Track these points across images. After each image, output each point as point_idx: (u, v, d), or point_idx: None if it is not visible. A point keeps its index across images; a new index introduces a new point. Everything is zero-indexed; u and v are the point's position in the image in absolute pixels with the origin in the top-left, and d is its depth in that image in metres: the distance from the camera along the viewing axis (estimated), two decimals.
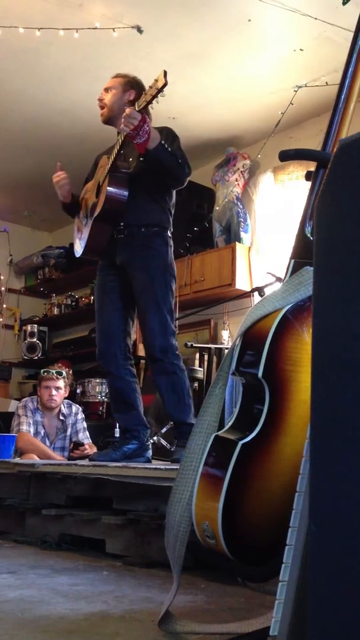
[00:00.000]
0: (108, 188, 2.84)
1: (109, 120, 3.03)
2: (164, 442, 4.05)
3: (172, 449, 4.03)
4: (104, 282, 3.03)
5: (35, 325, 6.87)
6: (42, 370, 4.13)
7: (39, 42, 4.05)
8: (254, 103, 4.77)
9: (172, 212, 3.02)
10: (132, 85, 3.00)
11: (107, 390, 5.56)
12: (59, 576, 1.93)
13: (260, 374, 1.22)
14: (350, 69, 1.47)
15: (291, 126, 5.00)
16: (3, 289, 7.11)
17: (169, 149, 2.74)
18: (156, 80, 2.58)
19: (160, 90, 2.56)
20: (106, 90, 3.04)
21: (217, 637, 1.30)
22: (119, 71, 3.12)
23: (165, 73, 2.53)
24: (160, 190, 2.92)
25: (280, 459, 1.22)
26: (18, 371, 7.00)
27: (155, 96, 2.60)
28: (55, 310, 6.90)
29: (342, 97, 1.47)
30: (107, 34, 3.95)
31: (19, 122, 5.13)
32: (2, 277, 7.12)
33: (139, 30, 3.95)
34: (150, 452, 3.04)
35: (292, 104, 4.64)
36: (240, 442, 1.21)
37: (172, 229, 3.01)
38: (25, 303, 7.33)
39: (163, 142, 2.72)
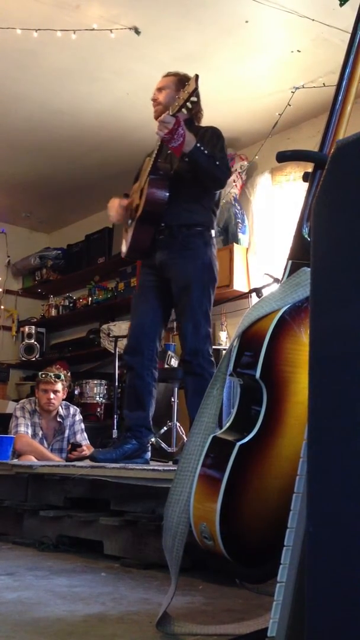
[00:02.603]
0: (148, 190, 2.88)
1: None
2: (162, 443, 4.05)
3: (170, 450, 4.04)
4: (143, 281, 3.06)
5: (33, 327, 6.87)
6: (40, 373, 4.11)
7: (37, 43, 4.05)
8: (252, 104, 4.77)
9: (217, 211, 3.02)
10: (184, 82, 2.99)
11: (105, 392, 5.61)
12: (57, 578, 1.93)
13: (257, 375, 1.22)
14: (348, 70, 1.48)
15: (289, 127, 5.00)
16: (1, 290, 7.11)
17: (206, 151, 2.75)
18: (188, 85, 2.63)
19: (192, 94, 2.60)
20: (159, 89, 3.07)
21: (214, 639, 1.30)
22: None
23: (196, 77, 2.57)
24: (202, 190, 2.93)
25: (278, 459, 1.22)
26: (16, 372, 7.00)
27: (187, 100, 2.62)
28: (53, 312, 6.90)
29: (340, 98, 1.47)
30: (104, 35, 3.96)
31: (16, 123, 5.13)
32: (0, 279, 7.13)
33: (137, 31, 3.95)
34: (149, 454, 3.04)
35: (290, 105, 4.64)
36: (238, 443, 1.21)
37: (215, 228, 3.01)
38: (22, 304, 7.33)
39: (199, 144, 2.74)
